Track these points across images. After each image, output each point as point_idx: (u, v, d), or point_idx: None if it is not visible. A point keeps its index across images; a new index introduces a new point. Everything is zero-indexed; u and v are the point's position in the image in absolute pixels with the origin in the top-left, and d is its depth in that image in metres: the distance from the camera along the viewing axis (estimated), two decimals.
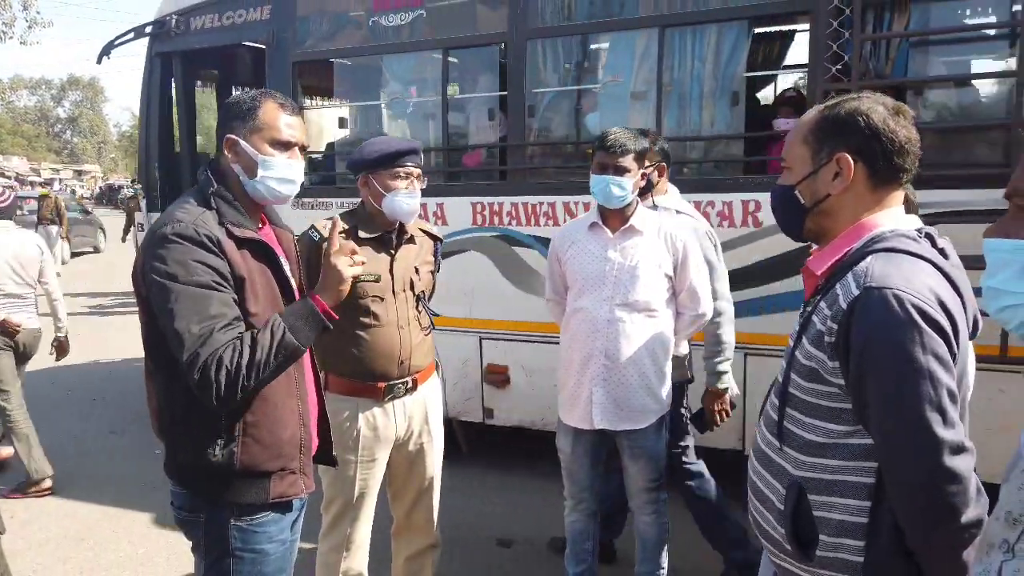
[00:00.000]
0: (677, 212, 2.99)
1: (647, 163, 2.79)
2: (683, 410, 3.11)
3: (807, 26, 3.81)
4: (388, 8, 4.54)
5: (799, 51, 5.22)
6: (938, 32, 3.61)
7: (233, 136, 1.81)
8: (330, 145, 5.50)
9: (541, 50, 4.23)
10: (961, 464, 1.27)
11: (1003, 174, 3.10)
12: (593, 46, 4.39)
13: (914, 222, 1.48)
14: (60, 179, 52.20)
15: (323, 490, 2.54)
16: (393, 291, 2.51)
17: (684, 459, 3.16)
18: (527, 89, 4.20)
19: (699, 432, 3.15)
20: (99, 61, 5.74)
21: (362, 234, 2.47)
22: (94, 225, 19.24)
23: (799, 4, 3.72)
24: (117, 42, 5.61)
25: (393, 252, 2.54)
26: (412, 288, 2.57)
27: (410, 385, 2.58)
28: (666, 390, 2.76)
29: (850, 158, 1.43)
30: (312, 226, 2.51)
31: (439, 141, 4.62)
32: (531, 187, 4.23)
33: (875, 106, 1.43)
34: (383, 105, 4.90)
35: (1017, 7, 3.42)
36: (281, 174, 1.82)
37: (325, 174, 5.19)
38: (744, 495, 1.62)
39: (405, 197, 2.46)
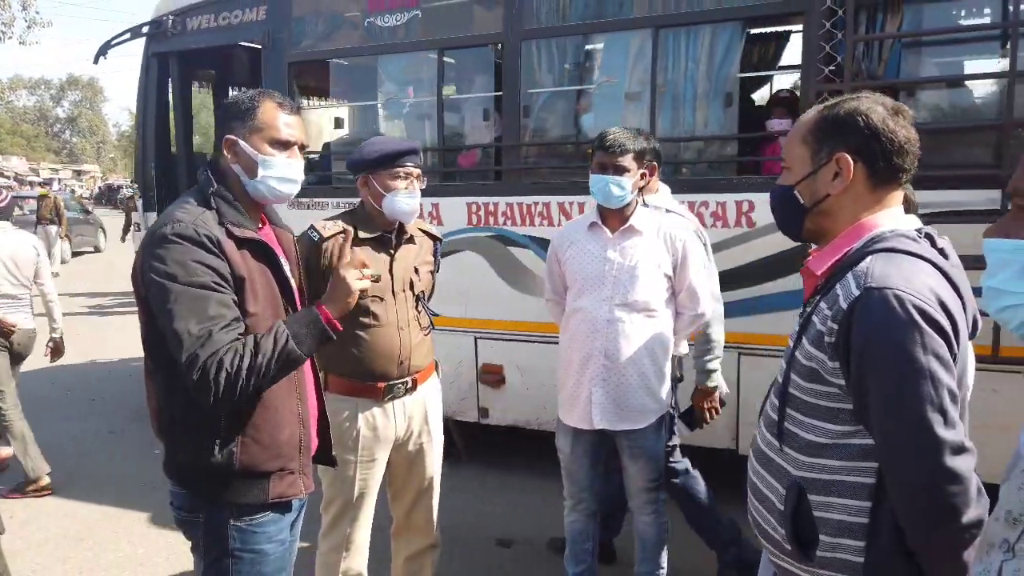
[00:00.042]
0: (667, 211, 2.99)
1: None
2: (671, 409, 3.12)
3: (800, 27, 3.82)
4: (383, 9, 4.54)
5: (792, 52, 5.24)
6: (930, 33, 3.63)
7: (232, 136, 1.81)
8: (326, 145, 5.49)
9: (536, 51, 4.24)
10: (962, 464, 1.27)
11: (994, 175, 3.16)
12: (588, 47, 4.38)
13: (914, 222, 1.48)
14: (59, 179, 51.91)
15: (323, 490, 2.54)
16: (393, 291, 2.51)
17: (670, 458, 3.16)
18: (522, 89, 4.21)
19: (689, 430, 3.16)
20: (96, 61, 5.72)
21: (362, 234, 2.47)
22: (94, 225, 19.16)
23: (792, 5, 3.72)
24: (114, 42, 5.60)
25: (393, 252, 2.54)
26: (412, 288, 2.57)
27: (410, 385, 2.58)
28: (666, 390, 2.76)
29: (850, 158, 1.43)
30: (311, 226, 2.50)
31: (435, 141, 4.62)
32: (526, 187, 4.23)
33: (874, 106, 1.44)
34: (379, 105, 4.89)
35: (1009, 8, 3.44)
36: (281, 173, 1.82)
37: (321, 174, 5.18)
38: (744, 495, 1.62)
39: (405, 197, 2.47)
